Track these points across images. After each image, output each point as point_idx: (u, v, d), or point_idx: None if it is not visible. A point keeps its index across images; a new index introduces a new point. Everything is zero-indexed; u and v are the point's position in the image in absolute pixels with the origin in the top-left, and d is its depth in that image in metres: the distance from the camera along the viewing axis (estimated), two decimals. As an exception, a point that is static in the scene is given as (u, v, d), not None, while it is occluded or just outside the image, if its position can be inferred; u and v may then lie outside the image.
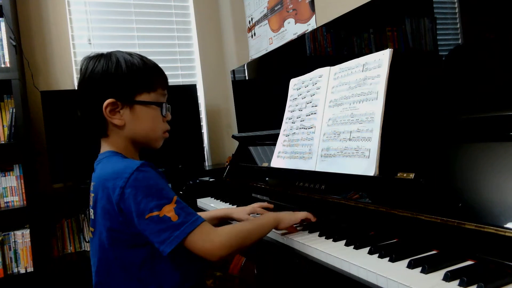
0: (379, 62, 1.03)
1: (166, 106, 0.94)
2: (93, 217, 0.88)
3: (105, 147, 0.93)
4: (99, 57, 0.89)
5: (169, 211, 0.78)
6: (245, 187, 1.58)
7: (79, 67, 0.92)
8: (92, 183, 0.89)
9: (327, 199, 1.08)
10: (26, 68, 2.43)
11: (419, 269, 0.68)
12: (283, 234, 1.01)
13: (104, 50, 0.92)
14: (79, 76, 0.91)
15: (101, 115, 0.87)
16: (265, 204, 1.22)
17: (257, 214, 1.17)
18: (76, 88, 0.92)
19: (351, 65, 1.13)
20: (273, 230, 1.01)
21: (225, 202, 1.55)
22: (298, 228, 1.03)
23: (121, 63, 0.88)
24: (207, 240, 0.79)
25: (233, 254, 0.83)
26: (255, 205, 1.21)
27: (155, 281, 0.85)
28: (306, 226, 1.02)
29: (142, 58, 0.92)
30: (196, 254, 0.80)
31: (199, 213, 0.86)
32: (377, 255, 0.77)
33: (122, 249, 0.83)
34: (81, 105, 0.90)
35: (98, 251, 0.87)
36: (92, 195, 0.88)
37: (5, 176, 2.25)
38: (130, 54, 0.91)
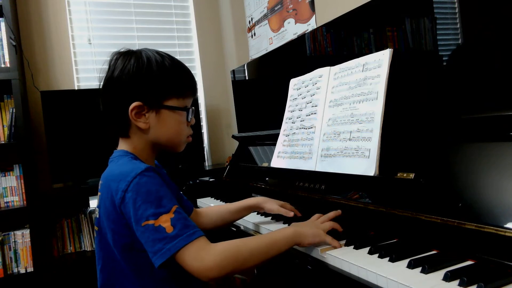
0: (379, 62, 1.03)
1: (192, 111, 0.92)
2: (98, 216, 0.88)
3: (122, 146, 0.91)
4: (129, 55, 0.87)
5: (165, 221, 0.74)
6: (245, 187, 1.58)
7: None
8: (100, 182, 0.88)
9: (327, 199, 1.08)
10: (26, 68, 2.43)
11: (419, 269, 0.68)
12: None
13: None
14: (107, 71, 0.88)
15: (125, 116, 0.85)
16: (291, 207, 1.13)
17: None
18: (102, 84, 0.88)
19: (351, 65, 1.13)
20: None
21: (225, 202, 1.55)
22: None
23: (153, 65, 0.85)
24: (198, 258, 0.73)
25: (230, 275, 0.74)
26: (285, 203, 1.14)
27: (158, 283, 0.84)
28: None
29: (173, 60, 0.89)
30: (187, 271, 0.75)
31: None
32: (377, 255, 0.77)
33: (125, 251, 0.82)
34: (107, 103, 0.88)
35: (103, 250, 0.87)
36: (99, 193, 0.88)
37: (5, 176, 2.25)
38: (160, 55, 0.88)
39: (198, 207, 1.69)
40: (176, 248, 0.73)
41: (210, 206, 1.21)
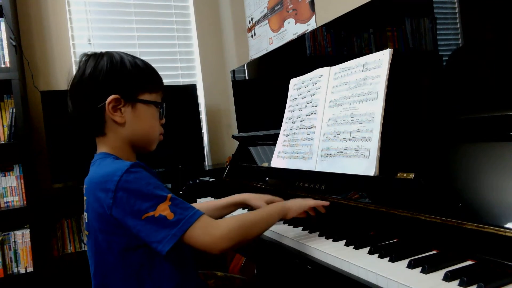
0: (379, 62, 1.03)
1: (163, 108, 0.94)
2: (87, 221, 0.87)
3: (100, 148, 0.91)
4: (100, 55, 0.88)
5: (164, 209, 0.77)
6: (245, 187, 1.58)
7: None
8: (84, 186, 0.88)
9: (327, 199, 1.08)
10: (26, 68, 2.43)
11: (419, 269, 0.68)
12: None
13: (104, 50, 0.91)
14: (76, 72, 0.89)
15: (100, 113, 0.86)
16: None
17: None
18: (72, 84, 0.89)
19: (351, 65, 1.13)
20: (273, 230, 1.00)
21: (225, 202, 1.55)
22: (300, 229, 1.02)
23: (125, 61, 0.88)
24: (207, 233, 0.78)
25: (236, 247, 0.83)
26: (271, 196, 1.18)
27: (154, 283, 0.84)
28: (306, 226, 1.02)
29: (142, 59, 0.92)
30: (197, 249, 0.78)
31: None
32: (377, 255, 0.77)
33: (119, 252, 0.82)
34: (79, 102, 0.88)
35: (95, 254, 0.86)
36: (85, 198, 0.88)
37: (5, 176, 2.25)
38: (129, 54, 0.91)
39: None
40: (182, 231, 0.76)
41: (197, 202, 1.23)
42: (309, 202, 1.00)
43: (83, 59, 0.89)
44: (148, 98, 0.90)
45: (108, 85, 0.85)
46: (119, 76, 0.86)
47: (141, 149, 0.94)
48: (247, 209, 1.25)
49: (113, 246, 0.82)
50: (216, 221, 0.82)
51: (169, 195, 0.79)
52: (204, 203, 1.22)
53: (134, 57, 0.91)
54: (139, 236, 0.78)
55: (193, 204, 1.21)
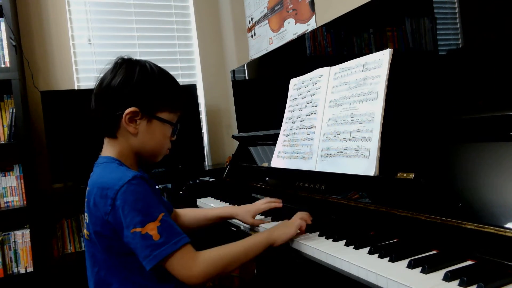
0: (379, 62, 1.03)
1: (177, 128, 0.96)
2: (87, 221, 0.89)
3: (107, 150, 0.93)
4: (133, 64, 0.90)
5: (152, 229, 0.78)
6: (245, 187, 1.58)
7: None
8: (87, 188, 0.89)
9: (327, 199, 1.08)
10: (26, 68, 2.43)
11: (419, 269, 0.68)
12: None
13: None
14: (109, 73, 0.90)
15: (118, 118, 0.87)
16: (271, 199, 1.19)
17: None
18: (100, 86, 0.90)
19: (351, 65, 1.13)
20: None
21: (225, 202, 1.55)
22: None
23: (155, 76, 0.90)
24: (186, 266, 0.79)
25: (214, 279, 0.85)
26: (260, 204, 1.18)
27: (153, 284, 0.85)
28: (306, 226, 1.02)
29: (172, 76, 0.94)
30: (173, 275, 0.80)
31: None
32: (377, 255, 0.77)
33: (115, 254, 0.84)
34: (102, 104, 0.90)
35: (95, 254, 0.88)
36: (86, 200, 0.89)
37: (5, 176, 2.25)
38: (161, 68, 0.93)
39: (198, 207, 1.69)
40: (162, 255, 0.78)
41: (189, 209, 1.24)
42: (293, 229, 0.95)
43: (118, 61, 0.90)
44: (166, 117, 0.91)
45: (132, 97, 0.87)
46: (144, 91, 0.88)
47: (146, 160, 0.95)
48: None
49: (109, 249, 0.84)
50: (198, 255, 0.82)
51: (160, 216, 0.80)
52: (195, 210, 1.25)
53: (165, 73, 0.92)
54: (126, 245, 0.80)
55: (182, 210, 1.22)
